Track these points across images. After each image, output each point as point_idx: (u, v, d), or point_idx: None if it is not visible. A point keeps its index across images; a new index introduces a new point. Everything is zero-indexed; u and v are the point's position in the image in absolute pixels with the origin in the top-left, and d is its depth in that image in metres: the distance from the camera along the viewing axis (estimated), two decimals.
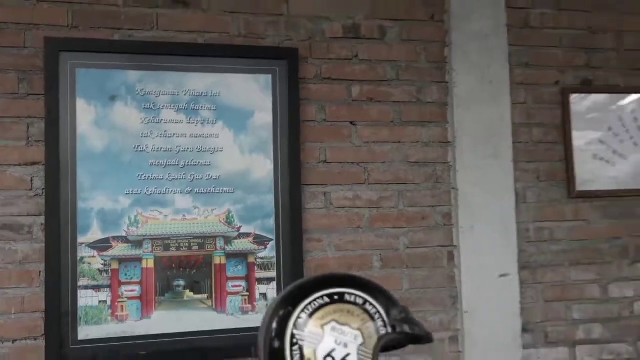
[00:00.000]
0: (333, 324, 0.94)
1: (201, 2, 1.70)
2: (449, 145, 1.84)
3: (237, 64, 1.72)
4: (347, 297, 0.95)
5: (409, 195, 1.81)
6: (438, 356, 1.77)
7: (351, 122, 1.79)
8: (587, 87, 1.94)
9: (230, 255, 1.69)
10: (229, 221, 1.70)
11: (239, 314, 1.68)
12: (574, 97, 1.92)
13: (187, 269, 1.67)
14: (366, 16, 1.80)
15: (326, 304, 0.95)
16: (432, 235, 1.82)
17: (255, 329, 1.54)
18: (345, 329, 0.94)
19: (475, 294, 1.80)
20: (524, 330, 1.83)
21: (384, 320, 0.95)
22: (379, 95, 1.81)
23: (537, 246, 1.88)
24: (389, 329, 0.94)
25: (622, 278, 1.92)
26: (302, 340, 0.93)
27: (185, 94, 1.68)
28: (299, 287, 0.99)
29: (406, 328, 0.94)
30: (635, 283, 1.93)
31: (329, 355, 0.94)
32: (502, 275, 1.82)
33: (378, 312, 0.96)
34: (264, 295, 1.70)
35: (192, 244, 1.68)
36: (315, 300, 0.96)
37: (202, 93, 1.70)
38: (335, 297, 0.95)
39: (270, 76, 1.73)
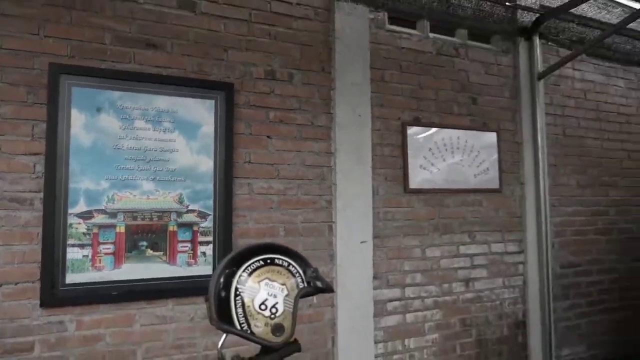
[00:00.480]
0: (266, 280, 1.28)
1: (166, 46, 2.47)
2: (332, 155, 2.83)
3: (191, 91, 2.50)
4: (276, 260, 1.31)
5: (304, 187, 2.75)
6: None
7: (268, 136, 2.68)
8: (417, 122, 3.10)
9: (180, 225, 2.46)
10: (180, 201, 2.46)
11: (185, 266, 2.45)
12: (409, 129, 3.06)
13: (149, 234, 2.39)
14: (280, 65, 2.73)
15: (261, 266, 1.30)
16: (319, 214, 2.78)
17: (197, 277, 2.40)
18: (275, 284, 1.28)
19: (345, 254, 2.79)
20: (374, 277, 2.88)
21: (302, 277, 1.34)
22: (287, 119, 2.73)
23: (384, 223, 2.96)
24: (305, 284, 1.33)
25: (434, 244, 3.10)
26: (243, 292, 1.25)
27: (152, 110, 2.43)
28: (241, 253, 1.32)
29: (318, 283, 1.35)
30: (441, 248, 3.12)
31: (262, 303, 1.27)
32: (362, 242, 2.85)
33: (298, 271, 1.33)
34: (204, 253, 2.49)
35: (153, 216, 2.41)
36: (253, 262, 1.29)
37: (164, 110, 2.45)
38: (268, 261, 1.30)
39: (213, 101, 2.56)
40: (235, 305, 1.24)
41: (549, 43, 3.60)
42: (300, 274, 1.32)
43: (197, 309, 2.42)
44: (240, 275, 1.25)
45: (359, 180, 2.87)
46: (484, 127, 3.33)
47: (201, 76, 2.53)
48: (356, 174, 2.86)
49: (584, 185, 3.72)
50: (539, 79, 3.46)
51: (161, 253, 2.41)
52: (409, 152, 3.04)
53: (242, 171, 2.60)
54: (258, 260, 1.29)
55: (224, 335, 1.27)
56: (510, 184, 3.40)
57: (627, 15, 3.21)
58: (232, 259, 1.29)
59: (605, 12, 3.29)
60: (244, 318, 1.24)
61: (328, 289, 1.37)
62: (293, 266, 1.32)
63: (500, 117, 3.40)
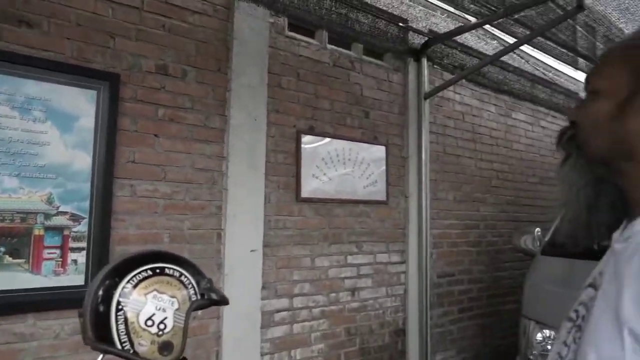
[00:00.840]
0: (154, 292, 1.19)
1: (43, 25, 2.26)
2: (224, 159, 2.81)
3: (69, 79, 2.31)
4: (167, 270, 1.23)
5: (193, 191, 2.69)
6: None
7: (155, 135, 2.58)
8: (311, 131, 3.22)
9: (48, 229, 2.25)
10: (49, 201, 2.26)
11: (52, 275, 2.25)
12: (304, 137, 3.16)
13: (8, 238, 2.15)
14: (173, 60, 2.65)
15: (149, 276, 1.21)
16: (208, 221, 2.73)
17: (66, 288, 2.23)
18: (164, 296, 1.20)
19: (234, 263, 2.78)
20: (263, 287, 2.91)
21: (195, 289, 1.26)
22: (178, 118, 2.66)
23: (275, 232, 3.01)
24: (199, 296, 1.26)
25: (323, 254, 3.23)
26: (126, 306, 1.16)
27: (20, 96, 2.20)
28: (125, 262, 1.23)
29: (213, 295, 1.28)
30: (330, 257, 3.26)
31: (149, 318, 1.18)
32: (252, 251, 2.86)
33: (191, 282, 1.26)
34: (75, 261, 2.30)
35: (15, 218, 2.17)
36: (140, 272, 1.20)
37: (35, 97, 2.23)
38: (157, 271, 1.22)
39: (95, 92, 2.39)
40: (117, 321, 1.16)
41: (435, 66, 3.99)
42: (193, 285, 1.26)
43: (65, 324, 2.23)
44: (123, 287, 1.17)
45: (251, 186, 2.89)
46: (374, 141, 3.57)
47: (82, 63, 2.36)
48: (249, 180, 2.88)
49: (459, 200, 4.16)
50: (425, 98, 3.81)
51: (22, 260, 2.18)
52: (302, 160, 3.14)
53: (124, 171, 2.47)
54: (145, 270, 1.21)
55: (100, 356, 1.18)
56: (395, 196, 3.67)
57: (502, 48, 3.69)
58: (114, 269, 1.22)
59: (484, 42, 3.74)
60: (126, 336, 1.16)
61: (223, 301, 1.33)
62: (185, 276, 1.26)
63: (389, 131, 3.67)
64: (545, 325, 2.73)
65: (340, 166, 3.35)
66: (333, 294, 3.26)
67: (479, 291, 4.27)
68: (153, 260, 1.25)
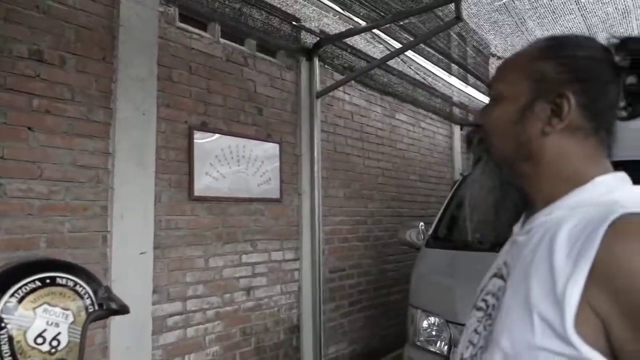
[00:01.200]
0: (45, 306, 1.09)
1: None
2: (109, 156, 2.66)
3: None
4: (58, 280, 1.13)
5: (75, 191, 2.50)
6: None
7: (29, 128, 2.35)
8: (204, 127, 3.17)
9: None
10: None
11: None
12: (196, 133, 3.11)
13: None
14: (50, 46, 2.44)
15: (38, 288, 1.10)
16: (91, 222, 2.56)
17: None
18: (57, 309, 1.10)
19: (122, 267, 2.64)
20: (154, 291, 2.81)
21: (92, 299, 1.18)
22: (56, 110, 2.45)
23: (166, 232, 2.91)
24: (97, 306, 1.19)
25: (217, 254, 3.20)
26: (9, 323, 1.05)
27: None
28: (7, 273, 1.12)
29: (112, 304, 1.22)
30: (224, 257, 3.24)
31: (39, 335, 1.08)
32: (141, 253, 2.75)
33: (86, 292, 1.17)
34: None
35: None
36: (26, 284, 1.09)
37: None
38: (47, 281, 1.11)
39: None
40: None
41: (326, 66, 4.16)
42: (89, 294, 1.18)
43: None
44: (6, 302, 1.05)
45: (140, 185, 2.77)
46: (268, 138, 3.62)
47: None
48: (137, 178, 2.76)
49: (348, 197, 4.38)
50: (317, 97, 3.95)
51: None
52: (195, 157, 3.08)
53: None
54: (33, 281, 1.10)
55: None
56: (289, 194, 3.76)
57: (387, 52, 3.96)
58: None
59: (372, 46, 3.99)
60: (10, 357, 1.05)
61: (124, 310, 1.27)
62: (80, 285, 1.17)
63: (282, 129, 3.74)
64: (430, 313, 2.96)
65: (234, 164, 3.34)
66: (228, 295, 3.25)
67: (367, 284, 4.54)
68: (41, 269, 1.14)
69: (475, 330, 0.83)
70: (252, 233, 3.44)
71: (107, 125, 2.66)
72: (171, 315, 2.90)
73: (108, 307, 1.23)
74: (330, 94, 4.14)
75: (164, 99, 2.95)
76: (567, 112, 0.78)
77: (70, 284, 1.16)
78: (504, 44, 3.97)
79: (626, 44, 0.80)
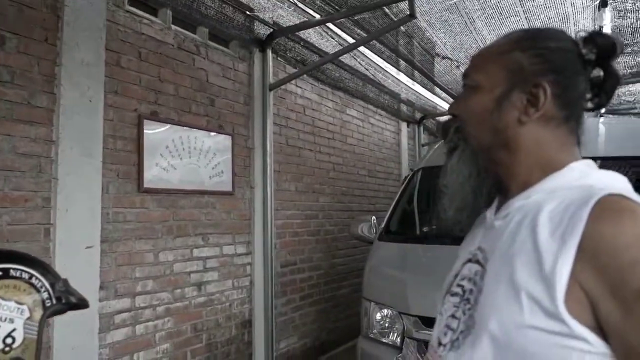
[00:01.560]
0: None
1: None
2: (53, 144, 2.50)
3: None
4: (12, 272, 1.05)
5: (14, 180, 2.34)
6: None
7: None
8: (155, 117, 3.05)
9: None
10: None
11: None
12: (146, 122, 2.98)
13: None
14: None
15: None
16: (32, 215, 2.40)
17: None
18: (11, 304, 1.02)
19: (67, 262, 2.48)
20: (101, 287, 2.68)
21: (49, 292, 1.09)
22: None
23: (114, 225, 2.78)
24: (54, 300, 1.10)
25: (168, 248, 3.10)
26: None
27: None
28: None
29: (71, 298, 1.13)
30: (175, 251, 3.14)
31: None
32: (88, 247, 2.61)
33: (44, 285, 1.09)
34: None
35: None
36: None
37: None
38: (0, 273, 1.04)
39: None
40: None
41: (279, 58, 4.12)
42: (46, 287, 1.09)
43: None
44: None
45: (86, 175, 2.63)
46: (220, 130, 3.54)
47: None
48: (83, 168, 2.62)
49: (300, 191, 4.38)
50: (270, 90, 3.91)
51: None
52: (145, 147, 2.96)
53: None
54: None
55: None
56: (241, 187, 3.70)
57: (340, 46, 3.99)
58: None
59: (325, 40, 3.99)
60: None
61: (83, 304, 1.18)
62: (36, 278, 1.08)
63: (235, 121, 3.68)
64: (383, 305, 3.00)
65: (186, 155, 3.25)
66: (178, 290, 3.15)
67: (318, 278, 4.55)
68: None
69: (453, 316, 0.85)
70: (203, 226, 3.36)
71: (50, 111, 2.50)
72: (119, 312, 2.77)
73: (67, 300, 1.14)
74: (283, 87, 4.11)
75: (112, 86, 2.81)
76: (543, 101, 0.81)
77: (25, 276, 1.07)
78: (452, 42, 4.10)
79: (594, 38, 0.84)
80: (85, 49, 2.65)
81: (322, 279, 4.61)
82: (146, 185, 2.96)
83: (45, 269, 1.17)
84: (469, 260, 0.87)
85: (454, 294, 0.87)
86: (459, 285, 0.87)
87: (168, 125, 3.14)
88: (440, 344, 0.86)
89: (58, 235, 2.47)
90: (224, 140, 3.57)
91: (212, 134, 3.47)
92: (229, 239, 3.57)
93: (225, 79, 3.62)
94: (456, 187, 0.88)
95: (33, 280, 1.08)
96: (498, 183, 0.87)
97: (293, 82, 4.25)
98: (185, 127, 3.25)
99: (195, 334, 3.26)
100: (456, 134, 0.89)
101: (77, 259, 2.55)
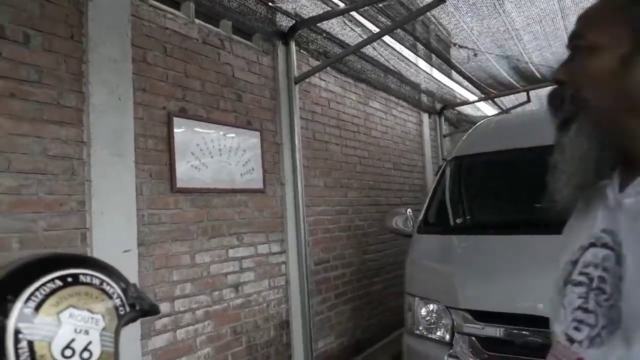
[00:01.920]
0: (70, 310, 0.88)
1: None
2: (84, 145, 2.38)
3: None
4: (82, 277, 0.93)
5: (48, 184, 2.22)
6: None
7: None
8: (184, 114, 2.92)
9: None
10: None
11: None
12: (175, 120, 2.86)
13: None
14: (11, 21, 2.14)
15: (59, 288, 0.89)
16: (68, 219, 2.28)
17: None
18: (84, 313, 0.90)
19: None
20: None
21: (122, 299, 0.97)
22: (23, 93, 2.16)
23: (149, 228, 2.65)
24: (128, 307, 0.98)
25: (203, 249, 2.97)
26: (31, 334, 0.84)
27: None
28: (17, 273, 0.90)
29: (144, 305, 1.01)
30: (210, 252, 3.01)
31: (67, 347, 0.87)
32: (125, 251, 2.48)
33: (115, 291, 0.97)
34: None
35: None
36: (44, 285, 0.88)
37: None
38: (69, 279, 0.91)
39: None
40: (17, 357, 0.80)
41: (301, 51, 3.98)
42: (118, 294, 0.95)
43: None
44: (22, 309, 0.81)
45: (120, 177, 2.51)
46: (249, 126, 3.41)
47: None
48: (116, 169, 2.49)
49: (329, 186, 4.23)
50: (296, 83, 3.78)
51: None
52: (175, 146, 2.84)
53: None
54: (52, 280, 0.86)
55: None
56: (272, 184, 3.56)
57: (364, 36, 3.84)
58: (3, 283, 0.83)
59: (347, 30, 3.85)
60: None
61: (155, 309, 1.04)
62: (107, 284, 0.94)
63: (262, 116, 3.54)
64: (429, 300, 2.85)
65: (216, 153, 3.11)
66: (216, 292, 3.02)
67: (350, 275, 4.41)
68: (58, 266, 0.89)
69: (584, 308, 0.73)
70: (237, 226, 3.23)
71: (79, 111, 2.38)
72: (160, 318, 2.64)
73: (141, 307, 0.97)
74: (307, 80, 3.97)
75: (140, 83, 2.69)
76: None
77: (97, 282, 0.91)
78: (479, 26, 3.94)
79: None
80: (111, 45, 2.53)
81: (354, 276, 4.46)
82: (179, 185, 2.83)
83: (114, 273, 1.01)
84: (592, 245, 0.76)
85: (578, 284, 0.76)
86: (582, 274, 0.76)
87: (197, 123, 3.01)
88: (571, 340, 0.75)
89: (95, 240, 2.36)
90: (253, 137, 3.44)
91: (241, 130, 3.33)
92: (262, 238, 3.44)
93: (250, 74, 3.49)
94: (575, 164, 0.76)
95: (104, 286, 0.93)
96: (625, 155, 0.75)
97: (316, 75, 4.10)
98: (214, 124, 3.13)
99: (235, 336, 3.12)
100: (572, 103, 0.77)
101: (115, 263, 2.40)
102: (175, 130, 2.85)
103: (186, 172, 2.89)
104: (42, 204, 2.19)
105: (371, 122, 4.99)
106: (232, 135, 3.25)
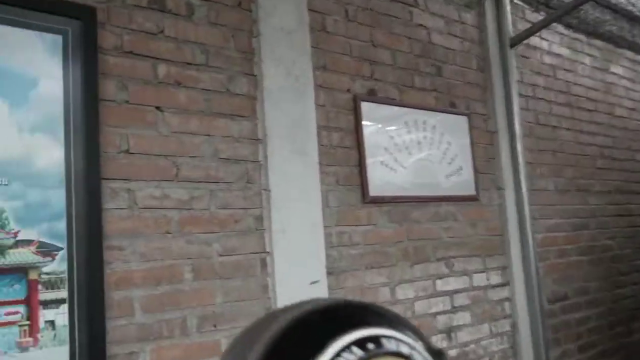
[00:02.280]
0: None
1: None
2: (260, 143, 2.32)
3: (14, 14, 1.78)
4: (385, 342, 0.93)
5: (220, 195, 2.18)
6: None
7: (157, 107, 2.07)
8: (372, 96, 2.76)
9: (2, 271, 1.70)
10: (1, 224, 1.71)
11: (15, 351, 1.69)
12: (363, 105, 2.70)
13: None
14: None
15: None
16: (245, 240, 2.22)
17: None
18: None
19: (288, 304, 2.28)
20: None
21: None
22: (188, 80, 2.16)
23: (339, 251, 2.52)
24: None
25: (406, 279, 2.76)
26: None
27: None
28: (297, 333, 0.92)
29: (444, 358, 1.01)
30: (414, 284, 2.79)
31: None
32: (313, 283, 2.37)
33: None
34: (52, 323, 1.76)
35: None
36: (339, 355, 0.87)
37: None
38: (370, 346, 0.91)
39: (60, 37, 1.87)
40: None
41: (516, 1, 3.62)
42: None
43: None
44: None
45: (303, 183, 2.42)
46: (453, 108, 3.15)
47: None
48: (298, 173, 2.40)
49: (561, 190, 3.79)
50: (511, 46, 3.43)
51: None
52: (365, 140, 2.68)
53: (115, 168, 1.95)
54: (348, 348, 0.70)
55: None
56: (486, 188, 3.25)
57: None
58: (279, 342, 0.69)
59: None
60: None
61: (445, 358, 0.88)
62: (417, 351, 0.78)
63: (469, 95, 3.27)
64: None
65: (414, 147, 2.90)
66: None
67: (598, 318, 3.88)
68: (350, 323, 0.74)
69: None
70: (444, 247, 2.97)
71: (252, 99, 2.34)
72: None
73: None
74: (525, 41, 3.58)
75: (319, 59, 2.59)
76: None
77: (405, 350, 0.74)
78: None
79: None
80: (283, 11, 2.46)
81: (603, 320, 3.92)
82: (372, 193, 2.66)
83: (415, 332, 0.82)
84: None
85: None
86: None
87: (389, 108, 2.83)
88: None
89: (277, 267, 2.27)
90: (459, 123, 3.16)
91: (443, 115, 3.09)
92: (478, 264, 3.13)
93: (451, 37, 3.24)
94: None
95: (414, 356, 0.75)
96: None
97: (537, 33, 3.69)
98: (409, 108, 2.92)
99: None
100: None
101: (300, 299, 2.32)
102: (365, 119, 2.69)
103: (379, 175, 2.72)
104: (215, 221, 2.16)
105: (613, 96, 4.42)
106: (433, 122, 3.01)
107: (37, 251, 1.76)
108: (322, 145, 2.53)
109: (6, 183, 1.73)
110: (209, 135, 2.19)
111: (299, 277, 2.34)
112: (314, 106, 2.50)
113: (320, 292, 2.39)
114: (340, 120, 2.64)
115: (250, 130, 2.31)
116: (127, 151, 1.98)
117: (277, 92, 2.38)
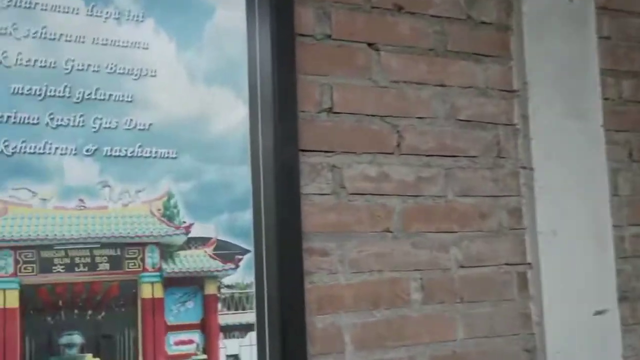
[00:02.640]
0: None
1: None
2: (515, 96, 2.13)
3: None
4: None
5: (461, 176, 2.03)
6: None
7: (370, 44, 1.94)
8: None
9: (171, 282, 1.65)
10: (168, 214, 1.65)
11: None
12: None
13: (86, 311, 1.56)
14: None
15: None
16: (495, 244, 2.09)
17: None
18: None
19: (563, 345, 2.07)
20: None
21: None
22: (413, 3, 2.00)
23: (633, 263, 2.30)
24: None
25: None
26: None
27: None
28: None
29: None
30: None
31: None
32: (597, 313, 2.15)
33: None
34: (236, 358, 1.68)
35: (97, 259, 1.57)
36: None
37: None
38: None
39: None
40: None
41: None
42: None
43: None
44: None
45: (580, 158, 2.24)
46: None
47: None
48: (572, 142, 2.24)
49: None
50: None
51: None
52: None
53: (314, 134, 1.86)
54: None
55: None
56: None
57: None
58: None
59: None
60: None
61: None
62: None
63: None
64: None
65: None
66: None
67: None
68: None
69: None
70: None
71: (504, 30, 2.23)
72: None
73: None
74: None
75: None
76: None
77: None
78: None
79: None
80: None
81: None
82: None
83: None
84: None
85: None
86: None
87: None
88: None
89: (545, 287, 2.12)
90: None
91: None
92: None
93: None
94: None
95: None
96: None
97: None
98: None
99: None
100: None
101: (583, 336, 2.16)
102: None
103: None
104: (453, 215, 2.04)
105: None
106: None
107: (214, 254, 1.69)
108: (607, 99, 2.28)
109: (174, 156, 1.65)
110: (442, 86, 2.09)
111: (577, 303, 2.18)
112: (596, 39, 2.26)
113: (608, 325, 2.18)
114: (636, 60, 2.37)
115: (502, 77, 2.20)
116: (330, 110, 1.89)
117: (541, 20, 2.21)
